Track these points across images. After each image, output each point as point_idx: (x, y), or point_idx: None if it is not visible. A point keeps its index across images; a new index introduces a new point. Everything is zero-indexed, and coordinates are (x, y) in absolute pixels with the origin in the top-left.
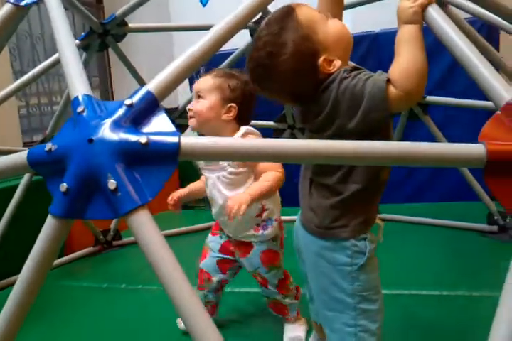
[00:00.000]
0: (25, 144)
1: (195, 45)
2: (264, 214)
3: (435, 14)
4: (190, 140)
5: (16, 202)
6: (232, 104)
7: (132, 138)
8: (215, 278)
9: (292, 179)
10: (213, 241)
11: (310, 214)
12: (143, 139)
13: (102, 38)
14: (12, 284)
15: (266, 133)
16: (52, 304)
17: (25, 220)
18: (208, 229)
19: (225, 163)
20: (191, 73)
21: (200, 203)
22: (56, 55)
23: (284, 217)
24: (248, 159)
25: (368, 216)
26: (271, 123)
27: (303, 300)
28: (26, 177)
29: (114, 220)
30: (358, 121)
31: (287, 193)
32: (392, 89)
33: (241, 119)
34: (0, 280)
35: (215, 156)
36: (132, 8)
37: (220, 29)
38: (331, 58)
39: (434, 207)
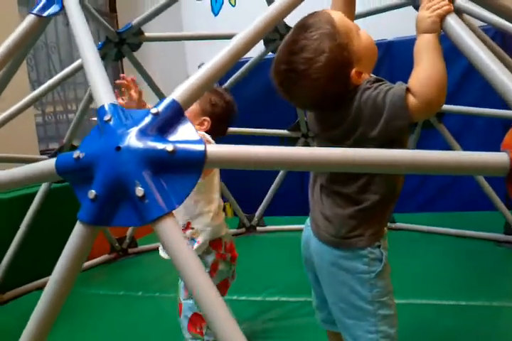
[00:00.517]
0: (41, 152)
1: (217, 55)
2: (187, 233)
3: (454, 23)
4: (215, 148)
5: (35, 209)
6: (207, 118)
7: (159, 146)
8: None
9: (303, 189)
10: None
11: (324, 224)
12: (169, 147)
13: (118, 47)
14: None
15: (269, 142)
16: (68, 311)
17: (44, 226)
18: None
19: None
20: (214, 82)
21: None
22: (73, 65)
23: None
24: (273, 167)
25: (382, 224)
26: (285, 131)
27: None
28: (45, 184)
29: (130, 228)
30: (380, 129)
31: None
32: (411, 99)
33: (212, 135)
34: (17, 286)
35: (240, 164)
36: (148, 18)
37: (240, 39)
38: (361, 70)
39: (449, 216)
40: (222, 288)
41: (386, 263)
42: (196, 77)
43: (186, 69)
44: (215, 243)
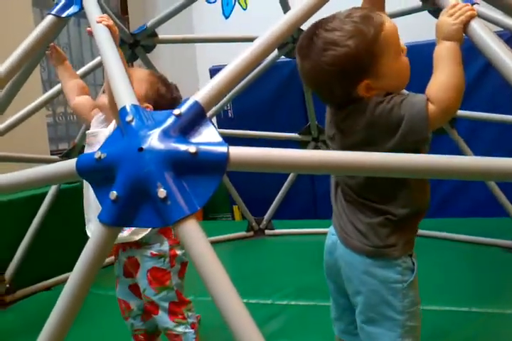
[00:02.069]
0: (52, 153)
1: (238, 57)
2: None
3: (478, 28)
4: (238, 150)
5: (45, 210)
6: (150, 106)
7: (182, 147)
8: (133, 305)
9: (314, 192)
10: (116, 266)
11: (355, 233)
12: (192, 149)
13: (132, 49)
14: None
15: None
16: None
17: (52, 227)
18: (232, 239)
19: None
20: (235, 84)
21: (224, 214)
22: (85, 67)
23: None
24: (298, 170)
25: (413, 233)
26: (295, 135)
27: (325, 317)
28: (55, 185)
29: None
30: (395, 142)
31: (309, 206)
32: (431, 106)
33: None
34: (25, 286)
35: (264, 167)
36: (163, 20)
37: (262, 42)
38: (373, 87)
39: (458, 223)
40: (183, 269)
41: (417, 272)
42: (218, 79)
43: (196, 72)
44: (163, 229)
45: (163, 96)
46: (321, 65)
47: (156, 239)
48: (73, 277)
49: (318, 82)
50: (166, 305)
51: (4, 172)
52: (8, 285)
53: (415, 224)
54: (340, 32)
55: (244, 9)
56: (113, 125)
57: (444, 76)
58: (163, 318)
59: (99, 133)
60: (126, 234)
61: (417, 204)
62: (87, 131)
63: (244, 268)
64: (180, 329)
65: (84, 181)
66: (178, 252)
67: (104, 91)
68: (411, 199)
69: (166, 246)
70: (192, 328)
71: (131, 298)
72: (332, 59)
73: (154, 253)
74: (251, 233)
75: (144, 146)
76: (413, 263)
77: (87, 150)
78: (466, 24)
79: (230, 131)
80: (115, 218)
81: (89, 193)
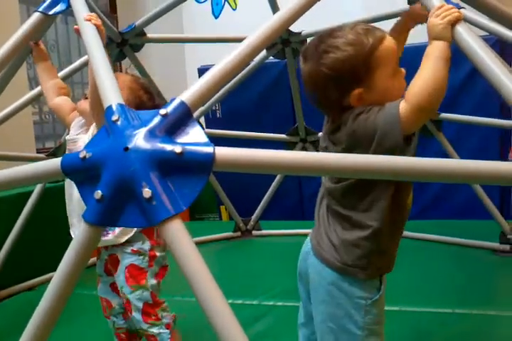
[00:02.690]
0: (38, 151)
1: (225, 58)
2: None
3: (463, 31)
4: (224, 150)
5: (30, 209)
6: None
7: (167, 147)
8: (114, 303)
9: (301, 194)
10: (98, 265)
11: (328, 246)
12: (178, 149)
13: (120, 48)
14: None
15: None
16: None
17: (37, 226)
18: (219, 240)
19: None
20: (223, 85)
21: (211, 214)
22: (72, 65)
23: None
24: (284, 171)
25: (388, 260)
26: (283, 136)
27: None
28: (40, 184)
29: None
30: (373, 151)
31: (296, 207)
32: (404, 105)
33: None
34: (9, 285)
35: (249, 167)
36: (151, 19)
37: (249, 43)
38: (364, 98)
39: (443, 224)
40: (162, 272)
41: (383, 293)
42: (205, 79)
43: (185, 72)
44: (146, 229)
45: (144, 103)
46: (320, 68)
47: (138, 237)
48: (57, 277)
49: (315, 84)
50: (140, 305)
51: None
52: None
53: (389, 247)
54: (343, 39)
55: (234, 9)
56: (92, 130)
57: (424, 74)
58: (137, 318)
59: (79, 139)
60: (111, 237)
61: (392, 216)
62: (67, 137)
63: (230, 269)
64: (154, 330)
65: (66, 184)
66: (158, 254)
67: (86, 97)
68: (387, 209)
69: (147, 246)
70: (167, 328)
71: (113, 296)
72: (331, 62)
73: (135, 249)
74: (238, 233)
75: (130, 146)
76: (380, 283)
77: None
78: (453, 24)
79: (218, 131)
80: (100, 217)
81: (72, 197)
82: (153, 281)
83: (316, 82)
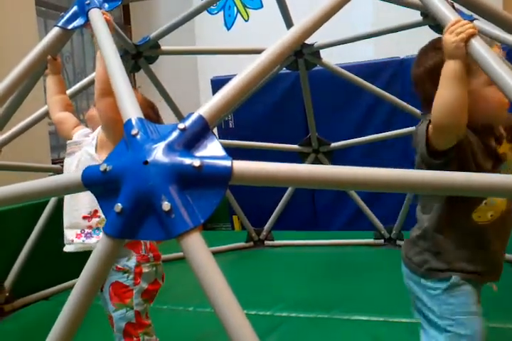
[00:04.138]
0: (53, 161)
1: (243, 72)
2: (93, 221)
3: (479, 47)
4: (242, 164)
5: (46, 218)
6: None
7: (186, 161)
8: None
9: (314, 203)
10: None
11: (405, 243)
12: (196, 163)
13: (135, 60)
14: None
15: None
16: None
17: (55, 235)
18: (231, 250)
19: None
20: (240, 99)
21: (223, 224)
22: (89, 77)
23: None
24: (304, 185)
25: (453, 262)
26: (295, 146)
27: (324, 330)
28: None
29: None
30: (417, 157)
31: (309, 217)
32: (430, 125)
33: None
34: (28, 293)
35: (266, 181)
36: (166, 31)
37: (267, 56)
38: None
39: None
40: (152, 289)
41: (456, 283)
42: (222, 93)
43: (198, 82)
44: (132, 243)
45: (151, 121)
46: (425, 67)
47: (124, 253)
48: (77, 288)
49: (420, 83)
50: (123, 325)
51: (6, 181)
52: (7, 295)
53: (454, 250)
54: (428, 55)
55: (246, 21)
56: (98, 131)
57: (440, 97)
58: (118, 338)
59: (83, 141)
60: (94, 240)
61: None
62: (69, 141)
63: (243, 279)
64: None
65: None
66: (146, 270)
67: (94, 105)
68: (441, 212)
69: (132, 262)
70: None
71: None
72: (433, 60)
73: (119, 267)
74: (250, 243)
75: (149, 159)
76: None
77: (67, 160)
78: (467, 41)
79: (231, 141)
80: (120, 230)
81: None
82: (140, 300)
83: (421, 81)
